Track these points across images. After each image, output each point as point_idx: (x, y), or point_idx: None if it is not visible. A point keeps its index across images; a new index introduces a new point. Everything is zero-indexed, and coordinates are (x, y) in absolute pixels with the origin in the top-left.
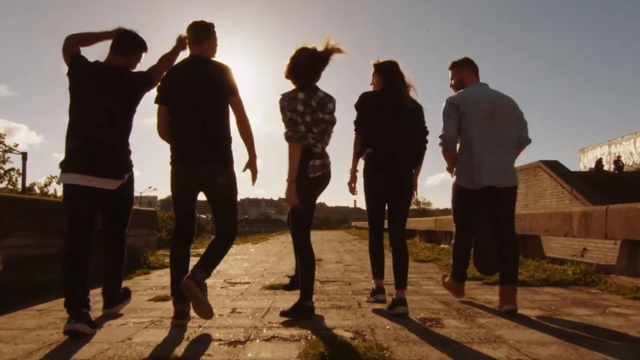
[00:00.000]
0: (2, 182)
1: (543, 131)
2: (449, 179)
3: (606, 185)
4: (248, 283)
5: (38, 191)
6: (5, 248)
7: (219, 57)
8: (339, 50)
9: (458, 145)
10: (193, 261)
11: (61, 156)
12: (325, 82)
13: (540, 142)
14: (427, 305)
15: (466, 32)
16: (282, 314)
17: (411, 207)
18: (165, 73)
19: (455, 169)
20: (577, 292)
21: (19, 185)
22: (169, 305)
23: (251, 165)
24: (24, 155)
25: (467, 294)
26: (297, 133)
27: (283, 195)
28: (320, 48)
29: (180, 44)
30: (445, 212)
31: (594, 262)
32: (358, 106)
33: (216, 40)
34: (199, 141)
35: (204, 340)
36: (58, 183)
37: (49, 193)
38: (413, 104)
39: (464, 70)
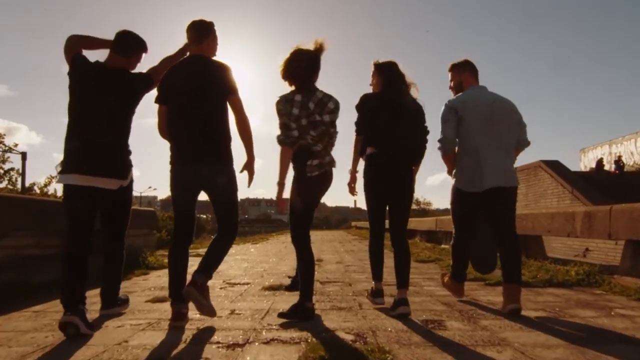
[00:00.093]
0: (1, 182)
1: (543, 131)
2: (449, 179)
3: (607, 185)
4: (247, 284)
5: (38, 191)
6: (4, 248)
7: (219, 56)
8: (323, 44)
9: (457, 148)
10: (192, 261)
11: (61, 156)
12: (326, 83)
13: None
14: (429, 306)
15: (466, 32)
16: (281, 315)
17: (411, 207)
18: (165, 72)
19: (454, 172)
20: (580, 293)
21: (19, 185)
22: (166, 307)
23: (249, 166)
24: (24, 155)
25: (469, 295)
26: (289, 138)
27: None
28: (312, 48)
29: (185, 50)
30: (445, 212)
31: (595, 262)
32: (359, 107)
33: (216, 39)
34: (199, 141)
35: (201, 343)
36: (58, 182)
37: (49, 193)
38: (413, 103)
39: (463, 73)
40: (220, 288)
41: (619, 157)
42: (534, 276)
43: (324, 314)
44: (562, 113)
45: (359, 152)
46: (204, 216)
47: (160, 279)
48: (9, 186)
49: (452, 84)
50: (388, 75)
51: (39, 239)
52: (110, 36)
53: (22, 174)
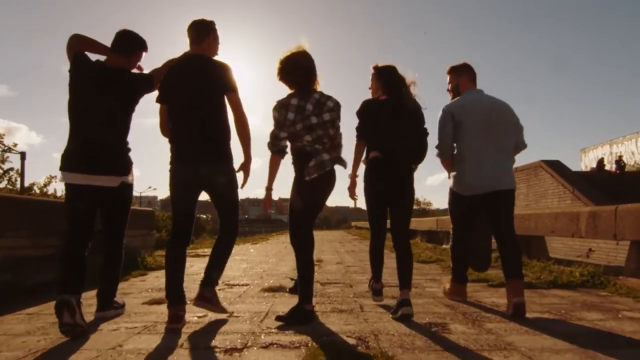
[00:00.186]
0: (1, 182)
1: (543, 131)
2: (449, 180)
3: (608, 185)
4: (246, 285)
5: (37, 191)
6: (0, 249)
7: (219, 56)
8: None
9: (456, 152)
10: (190, 262)
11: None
12: (326, 83)
13: (541, 142)
14: (432, 309)
15: (466, 32)
16: (278, 318)
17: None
18: (165, 72)
19: (453, 174)
20: (586, 295)
21: (18, 185)
22: (163, 309)
23: (245, 167)
24: (23, 155)
25: (472, 296)
26: (276, 146)
27: (283, 195)
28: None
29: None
30: (445, 212)
31: (597, 262)
32: (360, 113)
33: (217, 38)
34: (198, 141)
35: (198, 348)
36: (60, 181)
37: (49, 193)
38: (413, 104)
39: (461, 77)
40: (219, 289)
41: (620, 157)
42: (538, 277)
43: (324, 317)
44: (563, 113)
45: (359, 157)
46: (204, 216)
47: (158, 280)
48: (9, 186)
49: (449, 87)
50: (388, 79)
51: (35, 239)
52: (111, 36)
53: (21, 174)
